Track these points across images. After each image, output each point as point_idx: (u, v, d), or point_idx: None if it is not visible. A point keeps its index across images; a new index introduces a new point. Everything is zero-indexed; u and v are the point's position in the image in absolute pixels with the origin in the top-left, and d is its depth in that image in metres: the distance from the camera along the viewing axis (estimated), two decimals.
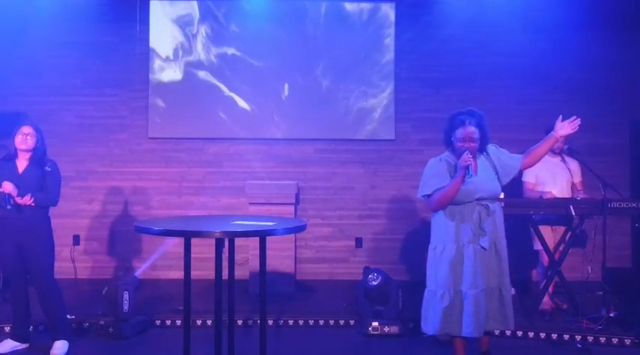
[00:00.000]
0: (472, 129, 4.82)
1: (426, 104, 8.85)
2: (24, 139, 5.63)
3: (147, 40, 8.68)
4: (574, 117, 5.04)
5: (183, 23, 8.62)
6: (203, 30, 8.59)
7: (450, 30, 8.62)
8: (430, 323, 4.91)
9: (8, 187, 5.46)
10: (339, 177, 9.03)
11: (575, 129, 5.04)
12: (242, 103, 8.65)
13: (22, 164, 5.67)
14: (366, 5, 8.46)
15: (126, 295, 6.25)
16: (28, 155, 5.68)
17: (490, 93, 8.80)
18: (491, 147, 5.03)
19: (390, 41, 8.55)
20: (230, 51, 8.59)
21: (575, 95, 8.90)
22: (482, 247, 4.82)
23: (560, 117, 5.10)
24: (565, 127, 5.03)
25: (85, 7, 8.39)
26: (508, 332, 6.32)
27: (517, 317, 6.18)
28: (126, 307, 6.25)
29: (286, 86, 8.57)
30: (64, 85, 8.75)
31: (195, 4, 8.55)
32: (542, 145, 5.09)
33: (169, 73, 8.64)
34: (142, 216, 8.89)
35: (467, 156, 4.72)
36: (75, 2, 8.25)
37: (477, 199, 4.84)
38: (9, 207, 5.43)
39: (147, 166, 8.90)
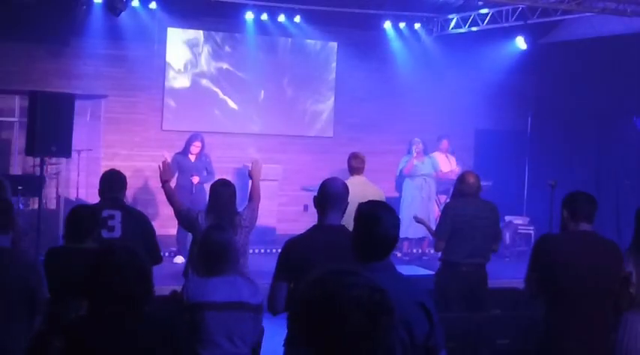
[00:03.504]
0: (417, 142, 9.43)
1: (357, 112, 11.50)
2: None
3: (164, 56, 10.80)
4: None
5: (191, 44, 11.01)
6: (206, 50, 11.08)
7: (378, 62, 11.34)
8: None
9: None
10: (292, 162, 11.05)
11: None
12: (232, 104, 11.20)
13: None
14: (318, 42, 11.52)
15: None
16: None
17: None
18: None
19: (334, 65, 11.65)
20: (225, 66, 11.17)
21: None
22: None
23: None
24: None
25: (118, 29, 10.05)
26: None
27: None
28: None
29: (262, 92, 11.28)
30: (98, 87, 10.28)
31: (200, 31, 11.03)
32: None
33: (180, 81, 10.99)
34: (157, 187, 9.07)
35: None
36: (110, 24, 9.85)
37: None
38: None
39: (160, 151, 9.52)
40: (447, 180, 9.57)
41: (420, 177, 9.72)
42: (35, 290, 3.75)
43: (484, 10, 10.22)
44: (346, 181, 6.19)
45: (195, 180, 8.88)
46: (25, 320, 3.72)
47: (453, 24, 10.91)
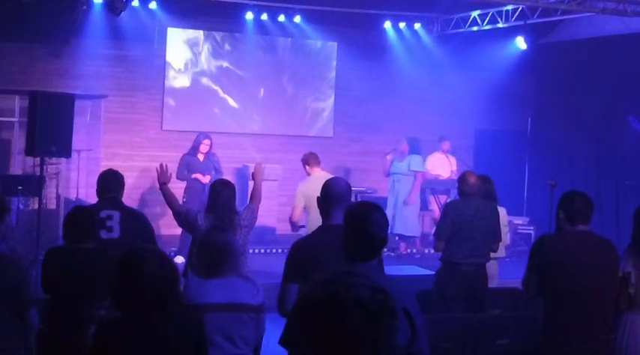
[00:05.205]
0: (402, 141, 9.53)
1: (357, 112, 11.59)
2: None
3: (164, 55, 10.79)
4: None
5: (191, 44, 11.01)
6: (206, 48, 11.06)
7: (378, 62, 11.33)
8: None
9: None
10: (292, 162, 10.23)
11: None
12: (232, 103, 11.17)
13: None
14: (319, 41, 11.49)
15: None
16: None
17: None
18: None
19: (334, 64, 11.63)
20: (224, 64, 11.14)
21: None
22: None
23: None
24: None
25: (118, 29, 10.08)
26: None
27: None
28: None
29: (262, 90, 11.26)
30: (98, 87, 10.18)
31: (200, 31, 11.03)
32: None
33: (180, 81, 10.96)
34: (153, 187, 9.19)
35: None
36: (110, 24, 9.91)
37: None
38: None
39: (159, 151, 10.18)
40: (436, 181, 9.86)
41: (390, 175, 9.77)
42: (20, 287, 3.72)
43: (484, 10, 10.22)
44: (312, 175, 6.38)
45: (207, 179, 8.79)
46: (12, 318, 3.69)
47: (452, 24, 10.91)
